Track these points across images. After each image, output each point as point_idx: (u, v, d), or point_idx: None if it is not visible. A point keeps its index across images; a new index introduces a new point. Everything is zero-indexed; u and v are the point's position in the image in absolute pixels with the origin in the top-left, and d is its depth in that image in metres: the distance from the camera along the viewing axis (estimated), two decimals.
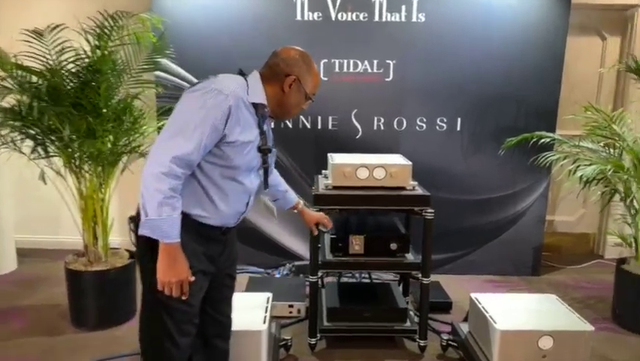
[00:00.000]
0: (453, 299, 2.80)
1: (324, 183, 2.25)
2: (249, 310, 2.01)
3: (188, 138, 1.35)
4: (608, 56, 3.55)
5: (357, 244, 2.23)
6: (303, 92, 1.53)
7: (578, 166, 2.64)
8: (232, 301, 1.72)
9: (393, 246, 2.23)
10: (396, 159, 2.36)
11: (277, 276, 3.09)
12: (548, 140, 2.88)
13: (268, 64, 1.55)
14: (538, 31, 3.06)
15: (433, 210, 2.16)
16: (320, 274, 2.24)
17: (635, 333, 2.55)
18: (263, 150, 1.54)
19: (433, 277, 2.24)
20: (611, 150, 2.80)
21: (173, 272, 1.37)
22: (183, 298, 1.40)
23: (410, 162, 2.24)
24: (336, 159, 2.33)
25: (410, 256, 2.27)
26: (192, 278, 1.41)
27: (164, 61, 2.69)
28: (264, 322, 1.93)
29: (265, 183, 1.62)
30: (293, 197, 1.91)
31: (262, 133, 1.52)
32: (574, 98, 3.36)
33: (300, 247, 3.22)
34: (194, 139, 1.35)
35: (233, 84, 1.44)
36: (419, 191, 2.22)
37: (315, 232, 2.00)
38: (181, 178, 1.36)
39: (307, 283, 2.38)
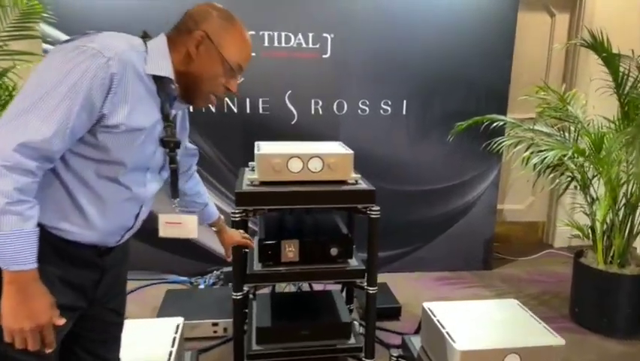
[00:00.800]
0: (402, 302, 2.51)
1: (249, 178, 1.85)
2: (151, 345, 1.59)
3: (45, 118, 0.92)
4: (557, 34, 3.36)
5: (290, 250, 1.85)
6: (220, 58, 1.10)
7: (533, 152, 2.40)
8: (120, 342, 1.30)
9: (334, 251, 1.87)
10: (335, 148, 1.99)
11: (201, 287, 2.66)
12: (501, 123, 2.63)
13: (176, 24, 1.13)
14: (489, 6, 2.78)
15: (378, 208, 1.82)
16: (246, 288, 1.85)
17: (597, 333, 2.36)
18: (167, 144, 1.12)
19: (379, 278, 1.91)
20: (566, 134, 2.59)
21: (26, 314, 0.94)
22: (47, 351, 0.97)
23: (351, 151, 1.89)
24: (263, 148, 1.93)
25: (354, 262, 1.93)
26: (61, 321, 0.99)
27: (43, 27, 2.17)
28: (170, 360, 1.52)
29: (173, 191, 1.21)
30: (213, 212, 1.54)
31: (167, 120, 1.10)
32: (523, 79, 3.14)
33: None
34: (55, 119, 0.93)
35: (121, 44, 1.01)
36: (362, 185, 1.87)
37: (230, 257, 1.64)
38: (35, 175, 0.93)
39: None
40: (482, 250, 3.06)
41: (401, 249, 2.98)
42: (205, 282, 2.71)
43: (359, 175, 1.90)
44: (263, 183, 1.85)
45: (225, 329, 2.23)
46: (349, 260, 1.93)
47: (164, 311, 2.28)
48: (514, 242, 3.54)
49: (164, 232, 1.26)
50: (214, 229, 1.57)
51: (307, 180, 1.84)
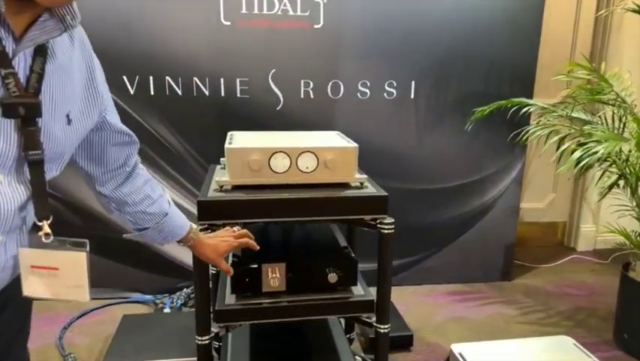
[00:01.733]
0: (411, 325, 2.06)
1: (218, 180, 1.37)
2: None
3: None
4: (584, 6, 2.90)
5: (274, 276, 1.38)
6: None
7: (572, 144, 1.95)
8: None
9: (333, 277, 1.40)
10: (333, 140, 1.52)
11: (167, 310, 2.17)
12: (530, 109, 2.17)
13: None
14: None
15: (392, 221, 1.36)
16: (215, 330, 1.37)
17: None
18: (9, 111, 0.65)
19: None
20: (609, 122, 2.14)
21: None
22: None
23: (354, 144, 1.41)
24: (237, 140, 1.45)
25: (358, 290, 1.46)
26: None
27: None
28: None
29: (38, 204, 0.73)
30: (179, 224, 1.08)
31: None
32: (544, 60, 2.67)
33: None
34: None
35: None
36: (371, 190, 1.41)
37: (231, 272, 1.27)
38: None
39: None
40: (501, 259, 2.62)
41: (407, 258, 2.52)
42: (173, 302, 2.23)
43: (365, 176, 1.42)
44: (236, 188, 1.37)
45: None
46: (353, 287, 1.46)
47: (114, 346, 1.80)
48: (532, 246, 3.11)
49: (28, 288, 0.77)
50: (188, 244, 1.13)
51: (297, 184, 1.37)
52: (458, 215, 2.52)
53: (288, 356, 1.62)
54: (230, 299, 1.40)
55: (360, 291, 1.46)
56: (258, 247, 1.27)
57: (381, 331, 1.42)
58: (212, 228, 1.30)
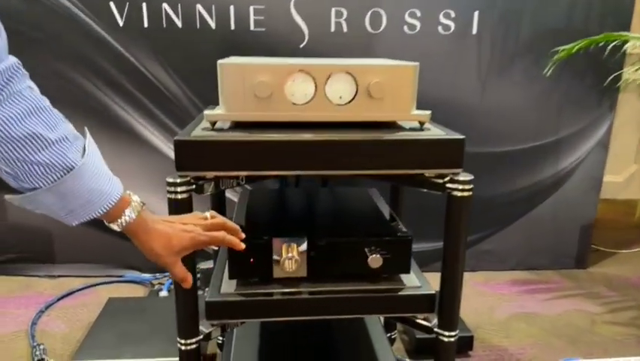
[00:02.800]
0: (469, 322, 1.61)
1: (208, 115, 0.93)
2: None
3: None
4: None
5: (290, 257, 0.94)
6: None
7: None
8: None
9: (375, 259, 0.95)
10: (378, 61, 1.06)
11: (163, 293, 1.78)
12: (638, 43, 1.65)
13: None
14: None
15: (470, 179, 0.90)
16: (205, 330, 0.95)
17: None
18: None
19: (429, 277, 1.01)
20: None
21: None
22: None
23: (413, 63, 0.95)
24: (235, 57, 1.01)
25: (412, 280, 1.01)
26: None
27: None
28: None
29: None
30: (101, 188, 0.64)
31: None
32: None
33: None
34: None
35: None
36: (437, 132, 0.95)
37: (189, 281, 0.80)
38: None
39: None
40: (576, 242, 2.12)
41: None
42: (168, 287, 1.84)
43: (427, 112, 0.96)
44: (237, 126, 0.94)
45: None
46: (403, 276, 1.02)
47: (90, 339, 1.41)
48: (607, 227, 2.58)
49: None
50: (121, 228, 0.69)
51: (324, 122, 0.92)
52: (525, 187, 2.02)
53: (311, 358, 1.20)
54: (227, 287, 0.97)
55: (415, 281, 1.01)
56: (243, 246, 0.81)
57: (445, 340, 0.97)
58: (197, 185, 0.87)
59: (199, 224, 0.77)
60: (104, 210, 0.63)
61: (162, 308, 1.58)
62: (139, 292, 1.88)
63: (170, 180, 0.85)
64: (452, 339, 0.98)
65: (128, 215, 0.67)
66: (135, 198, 0.69)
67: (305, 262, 0.96)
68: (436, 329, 0.98)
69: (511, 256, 2.08)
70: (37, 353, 1.45)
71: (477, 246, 2.05)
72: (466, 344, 1.52)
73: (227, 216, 0.87)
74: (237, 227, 0.82)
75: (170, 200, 0.86)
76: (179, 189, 0.85)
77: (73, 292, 1.85)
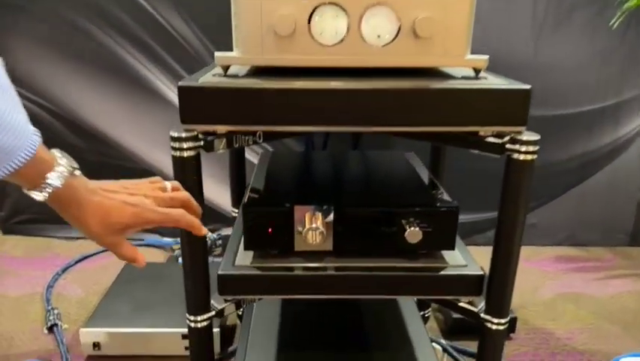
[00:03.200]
0: (513, 303, 1.45)
1: (219, 56, 0.78)
2: None
3: None
4: None
5: (314, 228, 0.80)
6: None
7: None
8: None
9: (414, 233, 0.81)
10: None
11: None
12: None
13: None
14: None
15: (535, 139, 0.73)
16: (218, 306, 0.84)
17: None
18: None
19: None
20: None
21: None
22: None
23: None
24: None
25: (456, 257, 0.87)
26: None
27: None
28: None
29: None
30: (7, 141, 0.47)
31: None
32: None
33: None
34: None
35: None
36: (498, 82, 0.78)
37: (141, 262, 0.66)
38: None
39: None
40: (631, 217, 1.92)
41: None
42: None
43: (484, 56, 0.79)
44: (254, 72, 0.80)
45: None
46: (445, 253, 0.88)
47: (103, 306, 1.34)
48: None
49: None
50: (40, 193, 0.53)
51: (358, 67, 0.77)
52: (579, 155, 1.82)
53: (336, 336, 1.08)
54: (243, 259, 0.85)
55: (459, 259, 0.87)
56: (205, 232, 0.69)
57: (493, 327, 0.83)
58: (205, 141, 0.74)
59: (153, 196, 0.62)
60: (7, 172, 0.48)
61: (181, 276, 1.49)
62: (159, 257, 1.80)
63: (175, 134, 0.72)
64: (501, 327, 0.84)
65: (52, 181, 0.52)
66: (63, 160, 0.54)
67: (331, 233, 0.83)
68: (482, 315, 0.84)
69: (559, 230, 1.90)
70: (51, 317, 1.39)
71: None
72: (510, 326, 1.37)
73: (247, 182, 0.74)
74: (200, 209, 0.69)
75: (174, 159, 0.73)
76: (184, 145, 0.72)
77: (92, 255, 1.78)
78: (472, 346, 1.32)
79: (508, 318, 0.84)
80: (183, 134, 0.72)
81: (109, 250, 0.61)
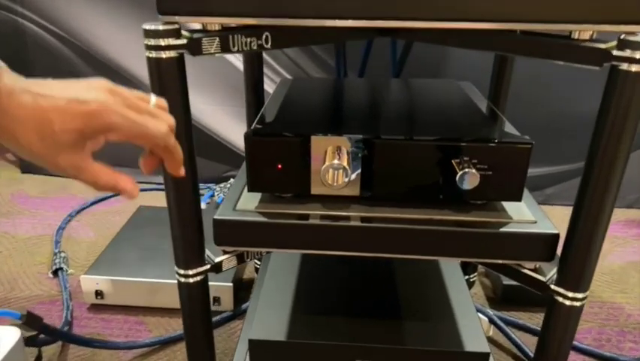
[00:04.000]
0: None
1: None
2: None
3: None
4: None
5: (337, 166, 0.61)
6: None
7: None
8: None
9: (470, 175, 0.61)
10: None
11: (202, 205, 1.55)
12: None
13: None
14: None
15: None
16: (215, 260, 0.68)
17: None
18: None
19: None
20: None
21: None
22: None
23: None
24: None
25: (523, 211, 0.66)
26: None
27: None
28: None
29: None
30: None
31: None
32: None
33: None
34: None
35: None
36: None
37: (127, 186, 0.45)
38: None
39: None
40: None
41: (560, 165, 1.63)
42: (214, 194, 1.62)
43: None
44: None
45: (218, 300, 1.13)
46: (508, 205, 0.67)
47: (111, 249, 1.22)
48: None
49: None
50: None
51: None
52: None
53: (363, 299, 0.91)
54: (246, 203, 0.68)
55: (526, 213, 0.66)
56: (183, 173, 0.48)
57: (567, 303, 0.63)
58: (191, 43, 0.55)
59: (122, 97, 0.42)
60: None
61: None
62: None
63: (149, 27, 0.53)
64: (577, 303, 0.63)
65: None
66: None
67: (359, 172, 0.63)
68: (553, 286, 0.64)
69: (629, 189, 1.64)
70: (57, 260, 1.29)
71: (572, 181, 1.61)
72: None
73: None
74: (180, 151, 0.47)
75: (149, 61, 0.54)
76: (162, 42, 0.53)
77: (108, 197, 1.67)
78: (524, 317, 1.13)
79: (587, 293, 0.64)
80: (160, 27, 0.53)
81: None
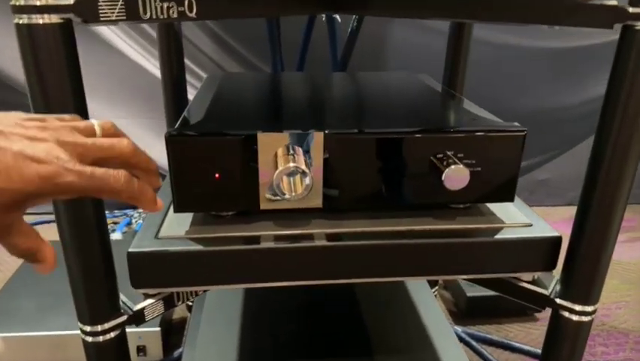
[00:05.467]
0: None
1: None
2: None
3: None
4: None
5: (293, 170, 0.47)
6: None
7: None
8: None
9: (457, 172, 0.49)
10: None
11: (116, 235, 1.33)
12: None
13: None
14: None
15: None
16: (133, 309, 0.50)
17: None
18: None
19: None
20: None
21: None
22: None
23: None
24: None
25: (515, 215, 0.56)
26: None
27: None
28: None
29: None
30: None
31: None
32: None
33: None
34: None
35: None
36: None
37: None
38: None
39: None
40: None
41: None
42: (131, 222, 1.40)
43: None
44: None
45: (144, 350, 0.93)
46: (497, 207, 0.56)
47: (3, 297, 0.98)
48: None
49: None
50: None
51: None
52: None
53: (321, 334, 0.77)
54: (173, 227, 0.52)
55: (519, 216, 0.56)
56: (161, 206, 0.38)
57: (574, 318, 0.53)
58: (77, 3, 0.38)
59: (71, 143, 0.33)
60: None
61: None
62: None
63: None
64: (586, 318, 0.53)
65: None
66: None
67: (320, 179, 0.50)
68: (558, 300, 0.53)
69: (572, 187, 1.64)
70: None
71: (530, 174, 1.59)
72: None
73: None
74: (154, 165, 0.39)
75: (19, 32, 0.37)
76: (37, 1, 0.36)
77: None
78: (491, 330, 1.04)
79: (597, 306, 0.54)
80: None
81: None
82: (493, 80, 1.44)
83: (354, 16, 0.89)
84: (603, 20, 0.43)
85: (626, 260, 1.36)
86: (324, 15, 0.95)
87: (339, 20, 0.93)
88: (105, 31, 1.34)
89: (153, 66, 1.39)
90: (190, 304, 1.02)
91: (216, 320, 0.77)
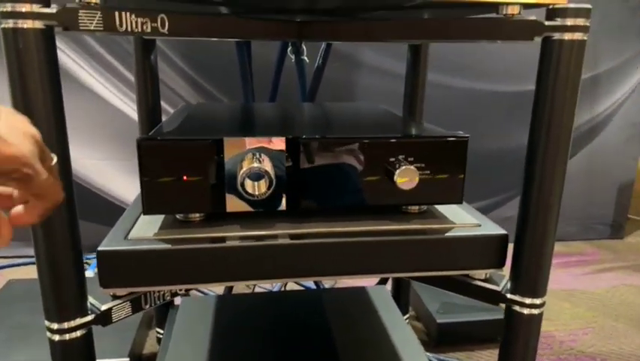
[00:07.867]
0: None
1: None
2: None
3: None
4: None
5: (257, 172, 0.51)
6: None
7: None
8: None
9: (406, 173, 0.53)
10: None
11: (88, 274, 1.32)
12: None
13: None
14: None
15: (589, 8, 0.48)
16: (100, 309, 0.52)
17: None
18: None
19: None
20: None
21: None
22: None
23: None
24: None
25: (463, 215, 0.60)
26: None
27: None
28: None
29: None
30: None
31: None
32: None
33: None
34: None
35: None
36: None
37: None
38: None
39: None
40: (612, 206, 1.75)
41: (477, 202, 1.66)
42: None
43: None
44: None
45: None
46: (446, 209, 0.61)
47: None
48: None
49: None
50: None
51: None
52: None
53: (293, 349, 0.77)
54: (142, 229, 0.54)
55: (467, 217, 0.60)
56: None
57: (525, 312, 0.56)
58: (61, 13, 0.43)
59: (39, 147, 0.33)
60: None
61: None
62: None
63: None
64: (536, 311, 0.57)
65: None
66: None
67: (284, 182, 0.53)
68: (510, 295, 0.56)
69: None
70: None
71: (496, 211, 1.65)
72: (494, 328, 1.12)
73: None
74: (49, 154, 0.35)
75: (4, 35, 0.42)
76: (23, 7, 0.41)
77: None
78: (465, 359, 1.05)
79: (545, 298, 0.58)
80: None
81: None
82: (456, 122, 1.53)
83: (319, 53, 0.96)
84: (525, 34, 0.50)
85: (590, 290, 1.40)
86: (293, 56, 1.02)
87: (307, 60, 1.00)
88: (83, 74, 1.39)
89: (131, 109, 1.44)
90: (159, 336, 1.01)
91: (184, 353, 0.77)
